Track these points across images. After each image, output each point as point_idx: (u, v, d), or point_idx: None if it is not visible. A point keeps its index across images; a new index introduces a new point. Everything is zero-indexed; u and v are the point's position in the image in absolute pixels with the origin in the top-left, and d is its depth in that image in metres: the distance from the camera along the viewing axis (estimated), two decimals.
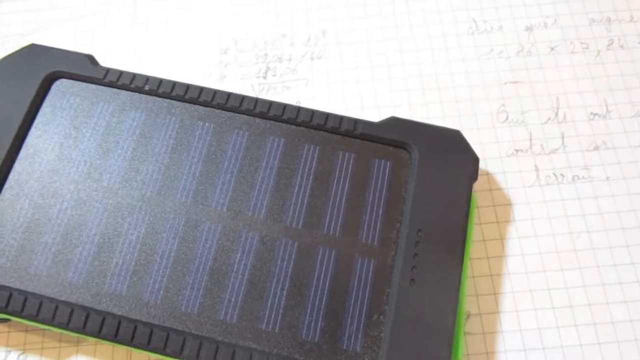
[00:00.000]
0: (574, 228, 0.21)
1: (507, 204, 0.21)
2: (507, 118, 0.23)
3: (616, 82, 0.23)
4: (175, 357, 0.17)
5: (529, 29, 0.24)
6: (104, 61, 0.23)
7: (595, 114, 0.23)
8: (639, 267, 0.20)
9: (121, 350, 0.19)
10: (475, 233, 0.21)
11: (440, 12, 0.25)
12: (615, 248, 0.20)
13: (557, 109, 0.23)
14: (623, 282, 0.20)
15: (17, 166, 0.20)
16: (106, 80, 0.21)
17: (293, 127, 0.20)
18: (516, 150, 0.22)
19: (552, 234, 0.21)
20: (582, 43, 0.24)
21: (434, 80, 0.23)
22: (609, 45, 0.24)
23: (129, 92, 0.21)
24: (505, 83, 0.23)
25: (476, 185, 0.20)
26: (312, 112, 0.20)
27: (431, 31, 0.24)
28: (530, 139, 0.22)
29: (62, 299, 0.18)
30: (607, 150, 0.22)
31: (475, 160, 0.20)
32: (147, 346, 0.17)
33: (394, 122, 0.20)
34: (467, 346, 0.19)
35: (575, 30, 0.24)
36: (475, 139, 0.22)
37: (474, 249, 0.21)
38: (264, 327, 0.18)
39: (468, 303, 0.20)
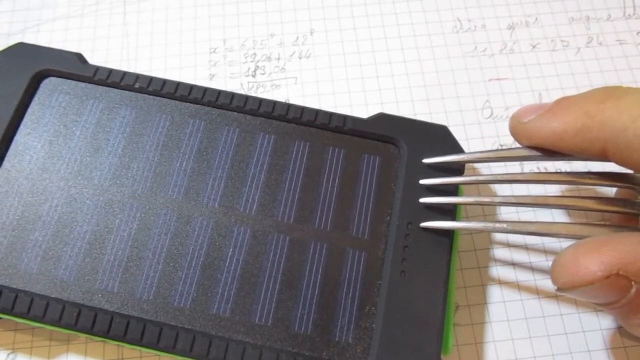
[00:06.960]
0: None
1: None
2: (491, 114, 0.23)
3: (596, 78, 0.24)
4: (168, 352, 0.17)
5: (511, 27, 0.25)
6: (94, 60, 0.23)
7: None
8: None
9: (112, 348, 0.19)
10: None
11: (426, 11, 0.25)
12: None
13: None
14: None
15: (6, 164, 0.20)
16: (96, 78, 0.21)
17: (283, 123, 0.21)
18: (501, 145, 0.23)
19: None
20: (562, 41, 0.25)
21: (421, 78, 0.24)
22: (588, 42, 0.25)
23: (119, 90, 0.21)
24: (490, 80, 0.24)
25: None
26: (302, 109, 0.21)
27: (417, 30, 0.25)
28: None
29: (53, 295, 0.18)
30: None
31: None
32: (140, 341, 0.17)
33: (382, 118, 0.21)
34: (457, 337, 0.19)
35: (556, 29, 0.25)
36: (461, 135, 0.23)
37: (462, 241, 0.21)
38: (256, 321, 0.18)
39: (457, 295, 0.20)
